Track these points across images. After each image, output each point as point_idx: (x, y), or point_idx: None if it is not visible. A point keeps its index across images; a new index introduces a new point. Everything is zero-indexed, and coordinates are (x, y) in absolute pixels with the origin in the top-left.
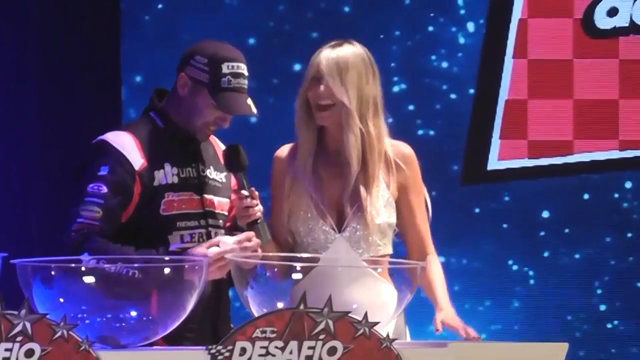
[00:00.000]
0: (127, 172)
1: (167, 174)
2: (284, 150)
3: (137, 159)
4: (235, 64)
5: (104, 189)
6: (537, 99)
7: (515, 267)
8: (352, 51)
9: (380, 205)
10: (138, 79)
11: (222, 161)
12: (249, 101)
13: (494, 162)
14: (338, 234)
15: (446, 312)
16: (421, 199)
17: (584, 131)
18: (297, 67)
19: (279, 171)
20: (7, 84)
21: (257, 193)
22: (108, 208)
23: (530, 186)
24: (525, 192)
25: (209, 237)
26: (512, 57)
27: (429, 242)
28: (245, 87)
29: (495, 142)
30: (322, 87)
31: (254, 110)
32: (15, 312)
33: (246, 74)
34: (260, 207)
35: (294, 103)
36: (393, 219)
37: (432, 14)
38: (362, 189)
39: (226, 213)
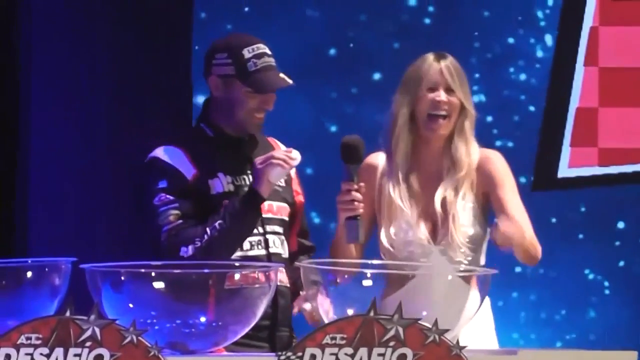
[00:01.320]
0: (182, 182)
1: (222, 182)
2: (376, 159)
3: (188, 170)
4: (254, 46)
5: (170, 197)
6: (607, 106)
7: (591, 277)
8: (456, 62)
9: (471, 217)
10: None
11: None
12: (282, 75)
13: (565, 170)
14: (434, 247)
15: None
16: (508, 190)
17: None
18: (376, 76)
19: (368, 179)
20: (80, 90)
21: (364, 190)
22: (183, 208)
23: (604, 195)
24: (600, 201)
25: (266, 244)
26: (583, 65)
27: (526, 226)
28: (273, 63)
29: (566, 150)
30: (441, 96)
31: (289, 81)
32: (85, 317)
33: (269, 52)
34: (363, 205)
35: (373, 112)
36: (484, 230)
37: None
38: (453, 200)
39: (285, 218)
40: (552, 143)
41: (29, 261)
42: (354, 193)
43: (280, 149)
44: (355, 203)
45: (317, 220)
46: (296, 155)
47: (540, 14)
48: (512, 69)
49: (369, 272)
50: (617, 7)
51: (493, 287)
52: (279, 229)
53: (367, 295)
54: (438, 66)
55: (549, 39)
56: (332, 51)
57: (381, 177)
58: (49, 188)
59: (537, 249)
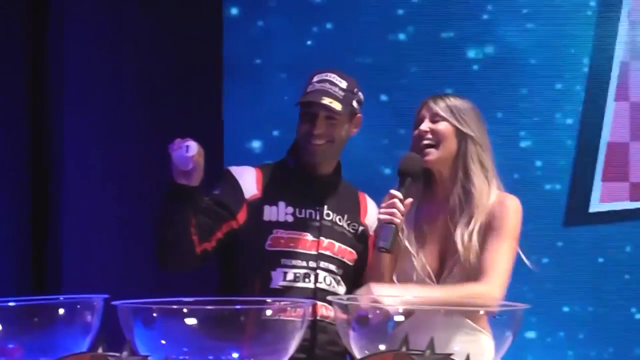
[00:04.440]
0: (235, 197)
1: (279, 212)
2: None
3: (250, 189)
4: (325, 74)
5: (209, 201)
6: (638, 141)
7: (637, 316)
8: (457, 99)
9: (475, 255)
10: None
11: (363, 216)
12: (326, 97)
13: (596, 204)
14: (436, 284)
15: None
16: (502, 240)
17: None
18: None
19: None
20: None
21: (408, 205)
22: (206, 213)
23: None
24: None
25: (316, 278)
26: (614, 100)
27: (489, 273)
28: (329, 90)
29: (597, 185)
30: (423, 126)
31: (327, 103)
32: (117, 354)
33: (338, 82)
34: (402, 218)
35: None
36: None
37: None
38: (460, 241)
39: (347, 261)
40: (584, 178)
41: (61, 298)
42: (397, 202)
43: (370, 204)
44: (393, 212)
45: None
46: (190, 144)
47: (586, 59)
48: (558, 115)
49: (400, 307)
50: None
51: (541, 325)
52: (334, 269)
53: (399, 332)
54: (427, 102)
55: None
56: (384, 98)
57: None
58: (82, 224)
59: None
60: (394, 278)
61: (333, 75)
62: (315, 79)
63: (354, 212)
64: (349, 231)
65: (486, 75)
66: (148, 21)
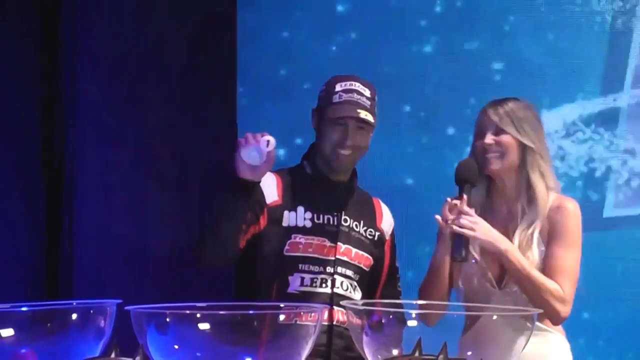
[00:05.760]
0: (258, 202)
1: (298, 217)
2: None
3: (271, 195)
4: (348, 82)
5: None
6: None
7: None
8: (517, 104)
9: (539, 261)
10: None
11: (379, 222)
12: (361, 110)
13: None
14: (497, 290)
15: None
16: (567, 250)
17: None
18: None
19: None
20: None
21: (467, 211)
22: None
23: None
24: None
25: (333, 283)
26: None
27: (559, 280)
28: (360, 101)
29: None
30: (487, 139)
31: (363, 116)
32: (130, 359)
33: (362, 91)
34: (469, 226)
35: (447, 165)
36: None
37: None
38: (527, 246)
39: (363, 267)
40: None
41: (74, 303)
42: (466, 208)
43: (385, 209)
44: (452, 221)
45: None
46: (269, 139)
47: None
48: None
49: (414, 312)
50: None
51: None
52: (351, 274)
53: (412, 336)
54: (487, 112)
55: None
56: (407, 108)
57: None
58: (94, 229)
59: (557, 310)
60: (460, 283)
61: (357, 84)
62: (340, 87)
63: (371, 218)
64: (365, 237)
65: (507, 85)
66: (165, 37)
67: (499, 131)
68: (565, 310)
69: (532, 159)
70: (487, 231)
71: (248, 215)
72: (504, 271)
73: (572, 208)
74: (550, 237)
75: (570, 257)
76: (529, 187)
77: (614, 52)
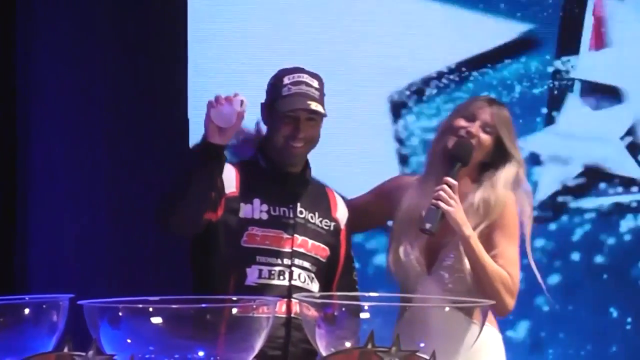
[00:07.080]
0: (219, 187)
1: (254, 209)
2: (408, 179)
3: (230, 186)
4: (295, 74)
5: None
6: None
7: (615, 315)
8: (506, 111)
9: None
10: None
11: (334, 212)
12: (311, 102)
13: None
14: (427, 275)
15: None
16: (509, 242)
17: None
18: None
19: (393, 197)
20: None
21: (453, 183)
22: None
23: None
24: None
25: (290, 275)
26: None
27: (510, 272)
28: (309, 92)
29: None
30: (474, 128)
31: (315, 107)
32: (83, 354)
33: (310, 82)
34: (449, 201)
35: None
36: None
37: None
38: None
39: (320, 258)
40: None
41: (27, 298)
42: (446, 187)
43: (339, 198)
44: (440, 196)
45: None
46: (242, 98)
47: None
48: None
49: (366, 304)
50: None
51: (523, 325)
52: (309, 266)
53: (365, 328)
54: (488, 109)
55: None
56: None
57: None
58: (49, 224)
59: (505, 302)
60: (391, 267)
61: (305, 75)
62: (288, 80)
63: (325, 208)
64: (322, 228)
65: None
66: (118, 26)
67: (487, 130)
68: (512, 303)
69: (513, 168)
70: (460, 213)
71: (217, 181)
72: (435, 258)
73: (514, 200)
74: (492, 227)
75: (512, 248)
76: (493, 188)
77: None
